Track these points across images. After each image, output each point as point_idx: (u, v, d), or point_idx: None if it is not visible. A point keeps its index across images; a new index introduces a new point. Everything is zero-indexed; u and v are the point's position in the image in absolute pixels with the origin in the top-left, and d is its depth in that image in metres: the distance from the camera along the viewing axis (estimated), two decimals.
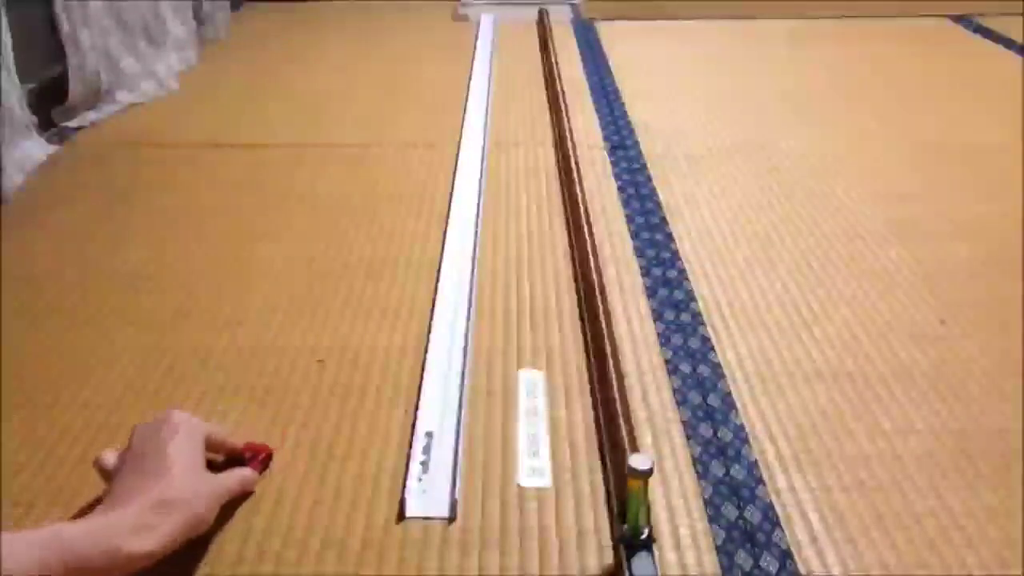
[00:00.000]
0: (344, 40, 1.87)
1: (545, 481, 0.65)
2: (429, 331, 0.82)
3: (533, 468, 0.66)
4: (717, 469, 0.66)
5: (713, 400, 0.73)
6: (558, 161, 1.21)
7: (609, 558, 0.58)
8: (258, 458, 0.65)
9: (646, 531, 0.58)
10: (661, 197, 1.10)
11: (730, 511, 0.62)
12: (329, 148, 1.27)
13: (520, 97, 1.48)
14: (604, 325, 0.80)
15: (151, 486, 0.52)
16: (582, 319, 0.84)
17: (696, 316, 0.85)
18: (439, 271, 0.92)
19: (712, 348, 0.80)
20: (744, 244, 0.98)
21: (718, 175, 1.16)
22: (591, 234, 0.97)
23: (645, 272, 0.93)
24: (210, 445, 0.60)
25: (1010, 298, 0.87)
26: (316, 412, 0.72)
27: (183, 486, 0.53)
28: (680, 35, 1.87)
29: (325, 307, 0.87)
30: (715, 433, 0.69)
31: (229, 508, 0.60)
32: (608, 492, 0.63)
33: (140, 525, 0.49)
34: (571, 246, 0.98)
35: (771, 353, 0.79)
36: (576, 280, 0.91)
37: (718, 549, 0.59)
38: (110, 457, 0.59)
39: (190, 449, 0.56)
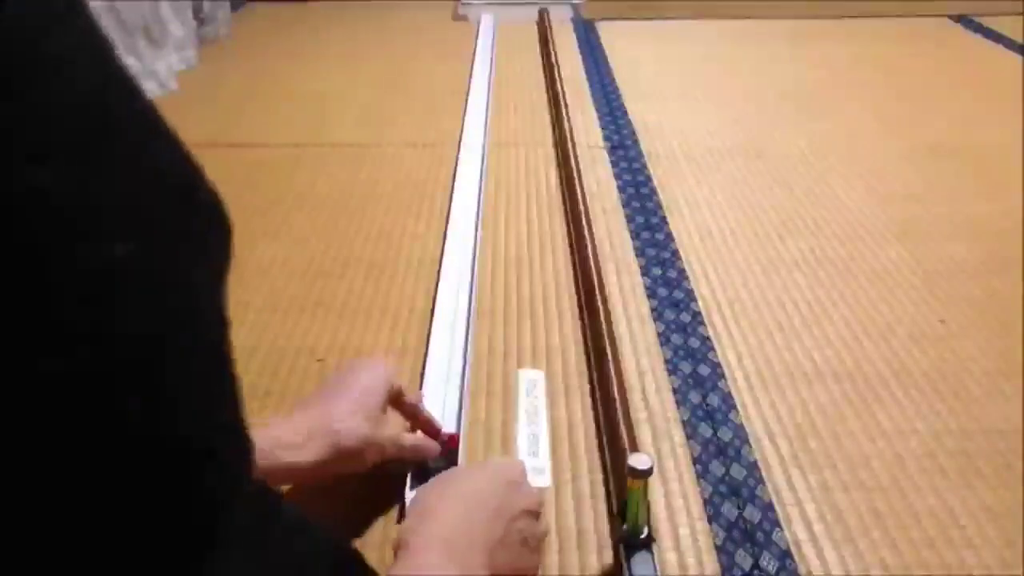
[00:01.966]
0: (344, 40, 1.87)
1: (545, 481, 0.65)
2: (429, 331, 0.82)
3: (533, 468, 0.66)
4: (717, 469, 0.66)
5: (713, 400, 0.73)
6: (558, 161, 1.21)
7: (609, 558, 0.58)
8: (444, 439, 0.64)
9: (646, 531, 0.58)
10: (661, 197, 1.10)
11: (730, 511, 0.62)
12: (329, 148, 1.27)
13: (520, 97, 1.48)
14: (604, 325, 0.80)
15: (314, 410, 0.56)
16: (582, 319, 0.84)
17: (696, 316, 0.85)
18: (439, 271, 0.92)
19: (712, 348, 0.80)
20: (744, 244, 0.98)
21: (718, 175, 1.16)
22: (591, 234, 0.97)
23: (645, 272, 0.93)
24: (395, 401, 0.61)
25: (1010, 298, 0.87)
26: None
27: (337, 418, 0.55)
28: (680, 35, 1.87)
29: (325, 307, 0.87)
30: (715, 433, 0.69)
31: (390, 480, 0.61)
32: (608, 492, 0.63)
33: (292, 443, 0.53)
34: (571, 246, 0.98)
35: (771, 353, 0.79)
36: (576, 280, 0.91)
37: (718, 549, 0.59)
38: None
39: (364, 390, 0.58)
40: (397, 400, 0.61)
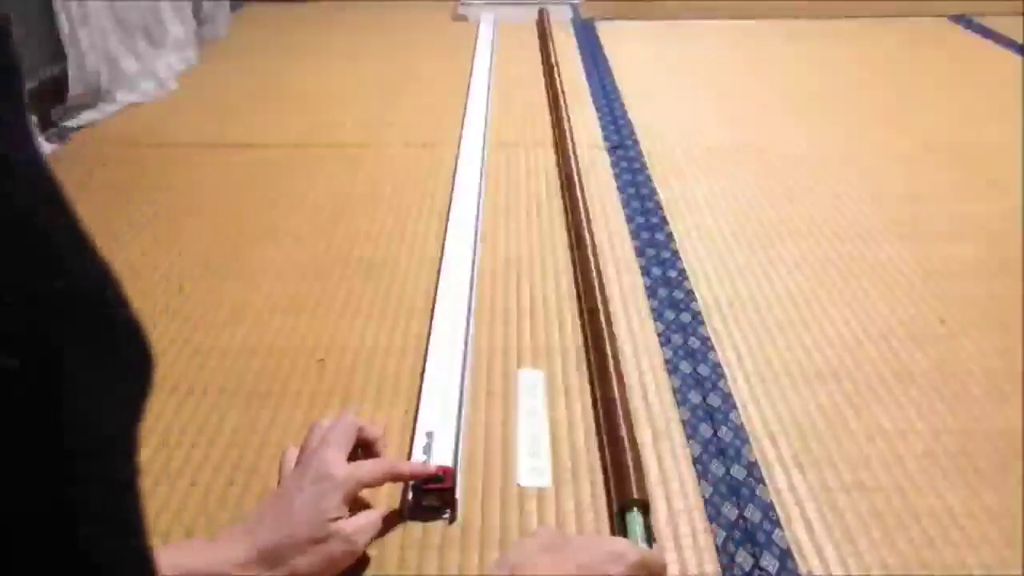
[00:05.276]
0: (344, 40, 1.87)
1: (545, 481, 0.65)
2: (429, 331, 0.82)
3: (533, 468, 0.66)
4: (717, 469, 0.66)
5: (713, 400, 0.73)
6: (558, 161, 1.21)
7: None
8: (440, 473, 0.61)
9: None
10: (661, 197, 1.10)
11: (730, 511, 0.62)
12: (329, 148, 1.27)
13: (520, 97, 1.48)
14: (604, 325, 0.80)
15: (268, 531, 0.52)
16: (582, 319, 0.84)
17: (696, 316, 0.85)
18: (439, 271, 0.92)
19: (712, 348, 0.80)
20: (744, 244, 0.98)
21: (718, 175, 1.16)
22: (591, 234, 0.97)
23: (645, 272, 0.93)
24: (378, 481, 0.58)
25: (1010, 298, 0.87)
26: (316, 412, 0.72)
27: (293, 540, 0.51)
28: (680, 35, 1.87)
29: (325, 307, 0.87)
30: (715, 433, 0.69)
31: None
32: (608, 492, 0.63)
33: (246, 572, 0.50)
34: (571, 246, 0.98)
35: (771, 353, 0.79)
36: (576, 280, 0.91)
37: (718, 549, 0.59)
38: (290, 458, 0.59)
39: (322, 500, 0.53)
40: (373, 480, 0.57)
